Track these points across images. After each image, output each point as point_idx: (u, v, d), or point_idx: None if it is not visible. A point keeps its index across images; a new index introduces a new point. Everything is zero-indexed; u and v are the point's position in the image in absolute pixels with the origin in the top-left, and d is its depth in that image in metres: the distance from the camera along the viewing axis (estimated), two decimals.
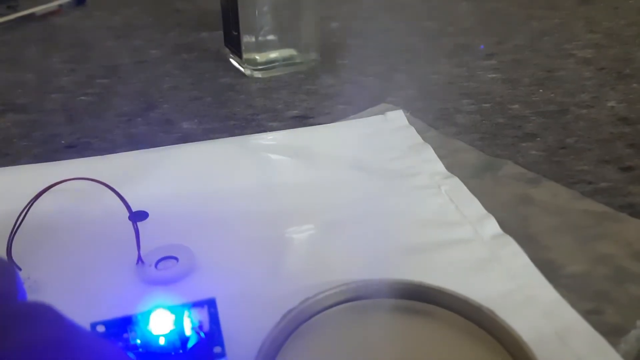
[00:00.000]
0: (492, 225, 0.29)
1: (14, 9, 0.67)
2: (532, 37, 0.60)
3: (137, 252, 0.28)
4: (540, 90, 0.47)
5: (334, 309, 0.24)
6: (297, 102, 0.45)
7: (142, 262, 0.27)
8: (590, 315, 0.24)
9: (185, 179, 0.34)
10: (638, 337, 0.23)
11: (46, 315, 0.13)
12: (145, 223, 0.31)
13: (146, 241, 0.28)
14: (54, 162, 0.36)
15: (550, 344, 0.23)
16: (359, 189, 0.32)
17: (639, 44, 0.57)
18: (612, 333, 0.23)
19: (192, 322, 0.22)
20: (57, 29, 0.64)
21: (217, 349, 0.22)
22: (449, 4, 0.72)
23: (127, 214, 0.28)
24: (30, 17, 0.66)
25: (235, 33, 0.49)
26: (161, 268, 0.27)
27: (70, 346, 0.13)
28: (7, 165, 0.36)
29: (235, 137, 0.39)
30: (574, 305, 0.25)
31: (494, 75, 0.50)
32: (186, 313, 0.22)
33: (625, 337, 0.23)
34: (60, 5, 0.69)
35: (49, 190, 0.27)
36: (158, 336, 0.22)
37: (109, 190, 0.28)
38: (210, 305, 0.22)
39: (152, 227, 0.30)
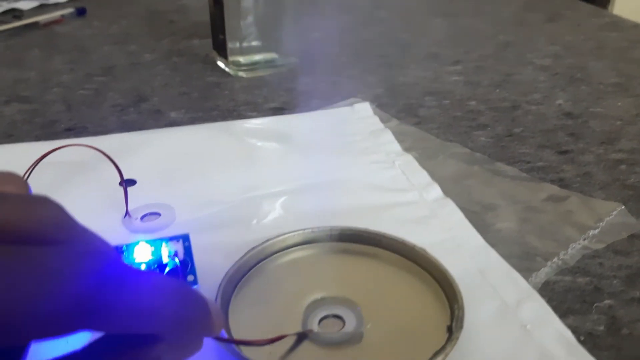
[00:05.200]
0: (435, 191, 0.34)
1: (19, 18, 0.72)
2: (497, 48, 0.65)
3: (125, 210, 0.32)
4: (497, 91, 0.52)
5: (292, 249, 0.28)
6: (275, 97, 0.50)
7: (129, 215, 0.31)
8: (511, 258, 0.28)
9: (171, 155, 0.38)
10: (547, 272, 0.27)
11: (51, 201, 0.16)
12: (133, 188, 0.35)
13: (133, 202, 0.32)
14: (53, 141, 0.40)
15: (472, 277, 0.27)
16: (325, 162, 0.37)
17: (594, 55, 0.62)
18: (527, 270, 0.27)
19: (169, 251, 0.26)
20: (58, 36, 0.69)
21: (190, 277, 0.26)
22: (424, 19, 0.77)
23: (118, 182, 0.32)
24: (34, 25, 0.71)
25: (222, 37, 0.54)
26: (145, 220, 0.31)
27: (74, 227, 0.16)
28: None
29: (219, 123, 0.43)
30: (498, 251, 0.29)
31: (457, 78, 0.55)
32: (164, 244, 0.26)
33: (536, 273, 0.27)
34: (62, 15, 0.74)
35: (47, 161, 0.31)
36: (140, 263, 0.26)
37: (102, 162, 0.32)
38: (184, 239, 0.26)
39: (139, 192, 0.34)
